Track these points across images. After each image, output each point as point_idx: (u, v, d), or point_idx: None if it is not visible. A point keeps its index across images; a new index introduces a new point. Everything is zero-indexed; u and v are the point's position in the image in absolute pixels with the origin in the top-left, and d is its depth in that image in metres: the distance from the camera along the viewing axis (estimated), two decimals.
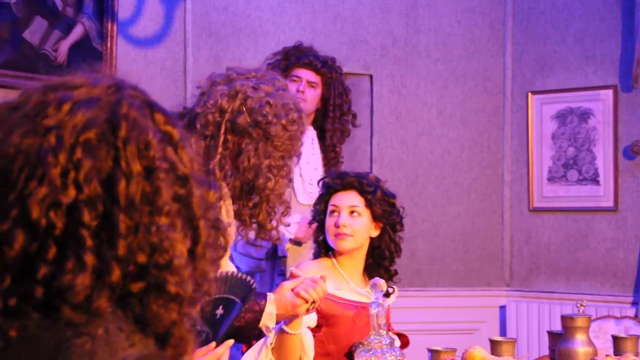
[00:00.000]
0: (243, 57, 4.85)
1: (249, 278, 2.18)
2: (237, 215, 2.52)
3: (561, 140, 4.99)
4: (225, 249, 1.25)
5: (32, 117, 1.12)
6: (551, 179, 5.02)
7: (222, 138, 2.43)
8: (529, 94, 5.08)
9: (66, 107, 1.12)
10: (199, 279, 1.17)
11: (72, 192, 1.08)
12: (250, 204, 2.51)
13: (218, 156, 2.42)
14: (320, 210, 3.07)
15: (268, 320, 2.47)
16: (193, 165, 1.18)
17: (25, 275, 1.09)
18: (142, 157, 1.11)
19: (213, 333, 2.10)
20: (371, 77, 5.04)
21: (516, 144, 5.16)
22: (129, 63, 4.50)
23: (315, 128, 4.01)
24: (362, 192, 3.01)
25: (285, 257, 3.69)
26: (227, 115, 2.42)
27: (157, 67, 4.63)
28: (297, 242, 3.69)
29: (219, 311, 2.08)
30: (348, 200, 3.00)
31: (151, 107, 1.18)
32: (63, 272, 1.08)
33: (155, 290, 1.11)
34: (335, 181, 3.05)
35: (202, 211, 1.17)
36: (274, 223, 2.53)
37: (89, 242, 1.08)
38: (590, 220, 4.91)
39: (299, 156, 2.60)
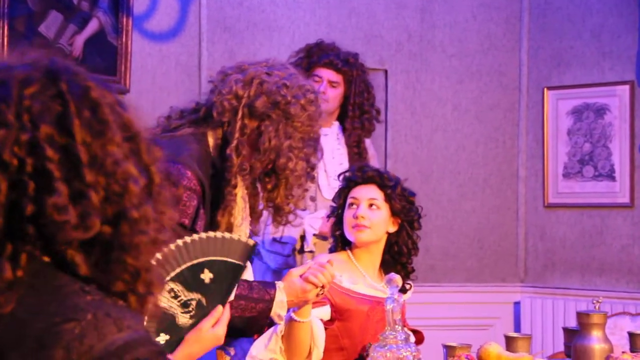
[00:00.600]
0: (258, 52, 4.85)
1: (240, 237, 2.15)
2: (254, 191, 2.52)
3: (577, 136, 4.97)
4: (177, 200, 1.31)
5: None
6: (566, 175, 5.00)
7: (239, 123, 2.44)
8: (545, 89, 5.06)
9: (4, 72, 1.22)
10: (157, 217, 1.24)
11: (29, 130, 1.17)
12: (269, 187, 2.52)
13: (235, 141, 2.43)
14: (340, 204, 3.06)
15: (279, 308, 2.48)
16: (136, 121, 1.26)
17: (16, 218, 1.16)
18: (86, 98, 1.20)
19: (208, 298, 2.08)
20: (386, 72, 5.03)
21: (531, 140, 5.14)
22: (144, 57, 4.50)
23: (339, 125, 4.01)
24: (382, 186, 3.01)
25: (312, 252, 3.70)
26: (244, 100, 2.44)
27: (172, 61, 4.63)
28: (322, 237, 3.69)
29: (205, 275, 2.07)
30: (368, 193, 3.00)
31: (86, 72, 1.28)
32: (46, 207, 1.15)
33: (122, 220, 1.18)
34: (355, 174, 3.05)
35: (152, 159, 1.25)
36: (291, 206, 2.53)
37: (57, 173, 1.16)
38: (606, 216, 4.89)
39: (322, 151, 2.60)
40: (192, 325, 2.09)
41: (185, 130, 2.50)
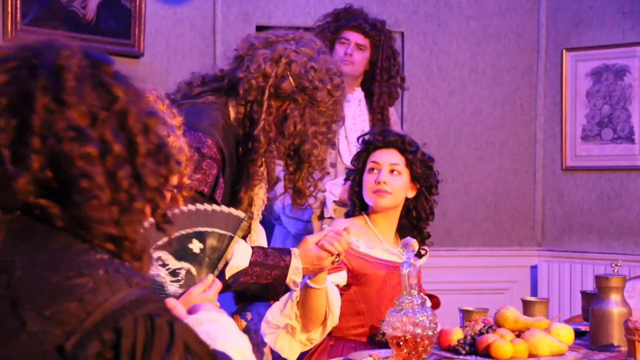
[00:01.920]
0: (272, 14, 4.80)
1: (231, 210, 2.14)
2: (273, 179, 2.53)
3: (596, 98, 4.91)
4: (170, 171, 1.33)
5: None
6: (585, 138, 4.95)
7: (265, 104, 2.42)
8: (564, 51, 4.99)
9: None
10: (141, 186, 1.26)
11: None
12: (291, 169, 2.51)
13: (262, 122, 2.42)
14: (358, 168, 3.04)
15: (294, 275, 2.48)
16: (135, 94, 1.28)
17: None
18: (54, 69, 1.23)
19: (198, 268, 2.08)
20: (402, 34, 4.98)
21: (550, 102, 5.08)
22: (158, 21, 4.47)
23: (362, 90, 3.99)
24: (403, 151, 2.98)
25: (331, 218, 3.70)
26: (270, 81, 2.42)
27: (186, 24, 4.59)
28: (342, 204, 3.69)
29: (194, 245, 2.06)
30: (389, 158, 2.98)
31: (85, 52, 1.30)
32: None
33: (71, 187, 1.21)
34: (376, 138, 3.02)
35: (141, 128, 1.26)
36: (311, 189, 2.53)
37: (2, 123, 1.20)
38: (625, 179, 4.84)
39: (343, 119, 2.59)
40: (182, 294, 2.09)
41: (207, 98, 2.48)
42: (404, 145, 2.99)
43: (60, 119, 1.20)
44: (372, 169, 2.99)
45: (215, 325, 1.43)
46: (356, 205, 3.05)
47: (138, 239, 1.27)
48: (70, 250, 1.20)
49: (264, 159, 2.46)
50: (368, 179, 2.98)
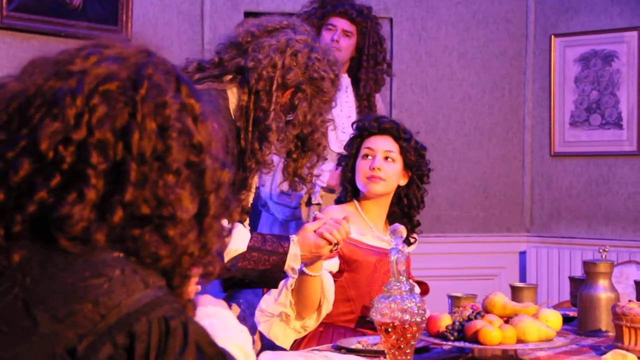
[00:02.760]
0: (261, 0, 4.78)
1: None
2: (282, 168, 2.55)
3: (584, 84, 4.92)
4: (230, 232, 1.31)
5: (60, 64, 1.20)
6: (573, 124, 4.95)
7: (275, 94, 2.44)
8: (552, 36, 4.99)
9: (93, 58, 1.20)
10: (202, 248, 1.23)
11: (83, 132, 1.15)
12: (294, 156, 2.52)
13: (272, 113, 2.43)
14: (352, 154, 3.03)
15: (293, 261, 2.48)
16: (211, 141, 1.24)
17: (25, 197, 1.16)
18: (157, 115, 1.18)
19: None
20: (391, 20, 4.97)
21: (538, 88, 5.09)
22: (145, 7, 4.45)
23: (349, 76, 3.99)
24: (397, 138, 2.98)
25: (319, 204, 3.70)
26: (278, 72, 2.44)
27: (174, 10, 4.57)
28: (330, 190, 3.69)
29: None
30: (384, 144, 2.97)
31: (178, 78, 1.25)
32: (62, 203, 1.14)
33: (155, 231, 1.17)
34: (371, 124, 3.01)
35: (215, 186, 1.23)
36: (311, 175, 2.56)
37: (94, 180, 1.14)
38: (613, 164, 4.85)
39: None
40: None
41: (209, 85, 2.48)
42: (399, 133, 2.99)
43: (158, 178, 1.17)
44: (366, 155, 2.98)
45: (214, 320, 1.41)
46: (348, 191, 3.05)
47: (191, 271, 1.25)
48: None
49: (272, 149, 2.49)
50: (362, 165, 2.98)
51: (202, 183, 1.22)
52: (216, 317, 1.43)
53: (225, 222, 1.29)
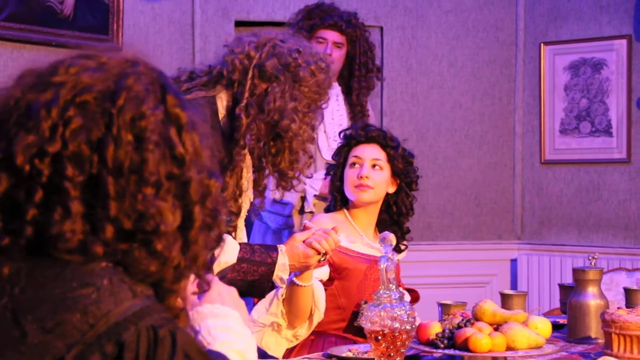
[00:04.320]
0: (252, 9, 4.79)
1: None
2: (260, 165, 2.52)
3: (574, 92, 4.94)
4: (218, 241, 1.29)
5: (42, 76, 1.19)
6: (563, 131, 4.97)
7: (249, 83, 2.43)
8: (542, 44, 5.02)
9: (74, 69, 1.19)
10: (189, 261, 1.22)
11: (58, 144, 1.14)
12: (274, 150, 2.50)
13: (244, 101, 2.42)
14: (340, 163, 3.04)
15: (281, 271, 2.47)
16: (197, 151, 1.22)
17: (15, 218, 1.15)
18: (133, 127, 1.16)
19: None
20: (381, 29, 4.98)
21: (528, 96, 5.11)
22: (136, 15, 4.45)
23: (340, 84, 4.00)
24: (384, 147, 3.00)
25: (312, 212, 3.70)
26: (254, 61, 2.42)
27: (165, 19, 4.58)
28: (323, 198, 3.70)
29: None
30: (371, 153, 2.99)
31: (164, 87, 1.23)
32: (51, 222, 1.13)
33: (144, 247, 1.17)
34: (358, 133, 3.02)
35: (199, 197, 1.21)
36: (295, 172, 2.52)
37: (73, 192, 1.14)
38: (603, 172, 4.87)
39: (322, 114, 2.60)
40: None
41: (197, 94, 2.48)
42: (386, 141, 3.00)
43: (137, 193, 1.17)
44: (353, 164, 2.99)
45: (218, 321, 1.39)
46: (337, 199, 3.06)
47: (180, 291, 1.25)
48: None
49: (245, 141, 2.45)
50: (350, 174, 2.99)
51: (185, 194, 1.20)
52: (221, 318, 1.40)
53: (214, 233, 1.27)
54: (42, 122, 1.15)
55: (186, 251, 1.21)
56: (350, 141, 3.04)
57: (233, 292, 1.48)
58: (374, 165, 2.97)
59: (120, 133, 1.16)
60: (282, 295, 2.61)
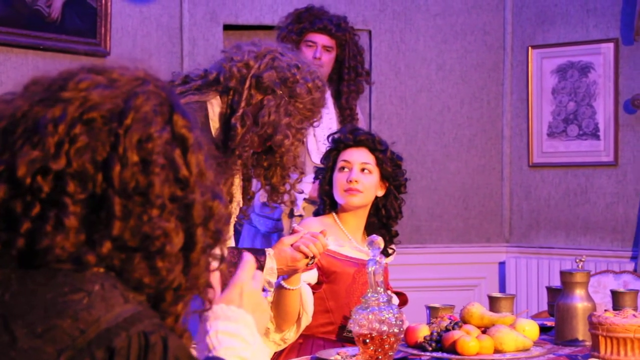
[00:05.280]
0: (240, 13, 4.79)
1: None
2: (253, 176, 2.52)
3: (561, 95, 4.95)
4: (222, 261, 1.28)
5: (51, 89, 1.19)
6: (551, 134, 4.99)
7: (246, 93, 2.42)
8: (529, 48, 5.03)
9: (84, 85, 1.18)
10: (189, 282, 1.21)
11: (62, 161, 1.14)
12: (265, 164, 2.50)
13: (240, 110, 2.41)
14: (329, 166, 3.04)
15: (269, 275, 2.47)
16: (201, 172, 1.22)
17: (9, 228, 1.15)
18: (140, 149, 1.16)
19: None
20: (370, 32, 4.99)
21: (516, 99, 5.12)
22: (124, 19, 4.45)
23: (329, 88, 4.00)
24: (373, 150, 3.00)
25: (301, 216, 3.70)
26: (253, 71, 2.42)
27: (153, 23, 4.57)
28: (312, 202, 3.70)
29: None
30: (360, 156, 2.99)
31: (172, 107, 1.22)
32: (42, 234, 1.13)
33: (145, 260, 1.17)
34: (347, 137, 3.03)
35: (202, 219, 1.21)
36: (287, 187, 2.53)
37: (72, 208, 1.13)
38: (590, 175, 4.89)
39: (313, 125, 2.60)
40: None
41: (190, 98, 2.47)
42: (375, 144, 3.01)
43: (143, 214, 1.16)
44: (342, 168, 3.00)
45: (229, 325, 1.37)
46: (326, 203, 3.06)
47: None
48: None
49: (241, 151, 2.45)
50: (339, 178, 2.99)
51: (188, 216, 1.20)
52: (232, 322, 1.38)
53: (217, 254, 1.26)
54: (49, 138, 1.14)
55: (187, 272, 1.21)
56: (339, 145, 3.04)
57: (257, 295, 1.44)
58: (363, 169, 2.98)
59: (127, 154, 1.15)
60: (270, 299, 2.61)
